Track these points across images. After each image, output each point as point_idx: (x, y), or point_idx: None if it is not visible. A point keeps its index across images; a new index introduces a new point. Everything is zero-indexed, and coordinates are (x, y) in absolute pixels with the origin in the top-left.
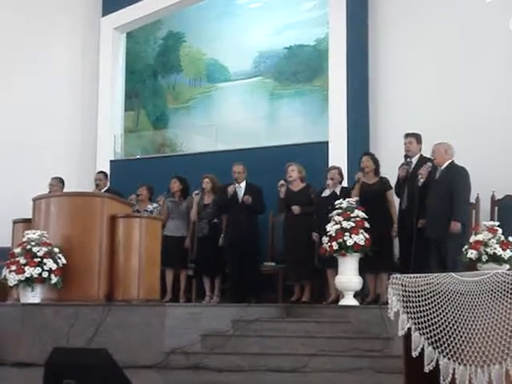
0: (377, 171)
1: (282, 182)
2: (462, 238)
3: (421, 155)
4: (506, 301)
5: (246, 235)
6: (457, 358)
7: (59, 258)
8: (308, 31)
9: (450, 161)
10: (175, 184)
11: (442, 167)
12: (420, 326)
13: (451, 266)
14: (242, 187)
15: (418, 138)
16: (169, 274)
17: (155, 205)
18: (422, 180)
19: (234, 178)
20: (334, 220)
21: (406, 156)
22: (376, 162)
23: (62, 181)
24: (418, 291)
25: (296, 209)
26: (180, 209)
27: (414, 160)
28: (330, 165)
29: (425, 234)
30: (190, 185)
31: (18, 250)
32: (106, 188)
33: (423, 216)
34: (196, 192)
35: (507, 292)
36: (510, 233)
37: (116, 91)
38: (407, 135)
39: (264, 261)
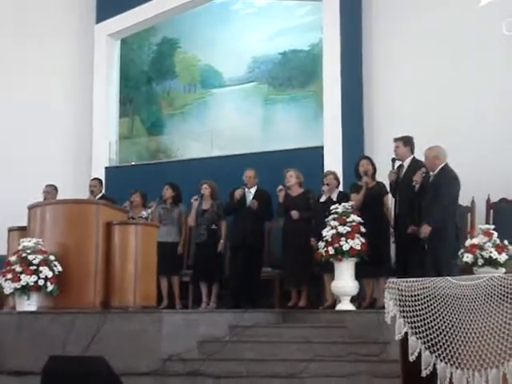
0: (374, 175)
1: (280, 186)
2: (456, 242)
3: (413, 158)
4: (503, 304)
5: (250, 240)
6: (454, 362)
7: (55, 266)
8: (302, 36)
9: (442, 165)
10: (167, 191)
11: (435, 172)
12: (417, 331)
13: (445, 270)
14: (251, 192)
15: (405, 141)
16: (163, 281)
17: (149, 211)
18: (417, 186)
19: (244, 183)
20: (330, 225)
21: (394, 160)
22: (374, 165)
23: (55, 188)
24: (415, 295)
25: (295, 214)
26: (172, 215)
27: (406, 164)
28: (326, 169)
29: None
30: (186, 191)
31: (13, 258)
32: (100, 195)
33: (415, 221)
34: (195, 197)
35: (503, 295)
36: (505, 236)
37: (110, 98)
38: (395, 140)
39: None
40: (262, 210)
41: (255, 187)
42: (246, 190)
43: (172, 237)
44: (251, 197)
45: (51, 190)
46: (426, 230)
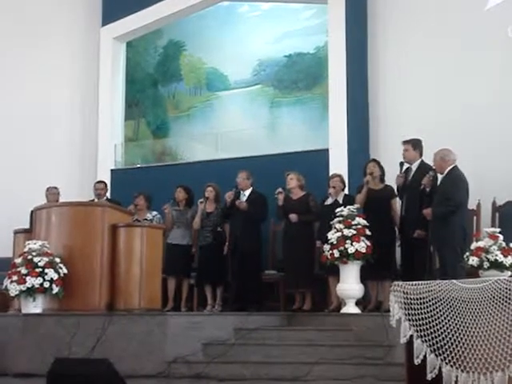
0: (382, 178)
1: (279, 189)
2: (463, 245)
3: (422, 161)
4: (508, 307)
5: (242, 244)
6: (459, 365)
7: (60, 268)
8: (307, 39)
9: (450, 167)
10: (181, 193)
11: (444, 174)
12: (422, 334)
13: (451, 273)
14: (245, 195)
15: (414, 144)
16: (171, 283)
17: (154, 213)
18: (427, 189)
19: (236, 185)
20: (336, 228)
21: (402, 163)
22: (382, 168)
23: (58, 190)
24: (420, 298)
25: (293, 217)
26: (185, 217)
27: (414, 167)
28: (331, 172)
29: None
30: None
31: (19, 260)
32: (105, 198)
33: (422, 224)
34: (201, 200)
35: (509, 299)
36: (511, 239)
37: (116, 100)
38: (404, 142)
39: (265, 269)
40: (253, 210)
41: (250, 189)
42: (241, 192)
43: (186, 239)
44: (244, 199)
45: (54, 192)
46: (428, 211)
